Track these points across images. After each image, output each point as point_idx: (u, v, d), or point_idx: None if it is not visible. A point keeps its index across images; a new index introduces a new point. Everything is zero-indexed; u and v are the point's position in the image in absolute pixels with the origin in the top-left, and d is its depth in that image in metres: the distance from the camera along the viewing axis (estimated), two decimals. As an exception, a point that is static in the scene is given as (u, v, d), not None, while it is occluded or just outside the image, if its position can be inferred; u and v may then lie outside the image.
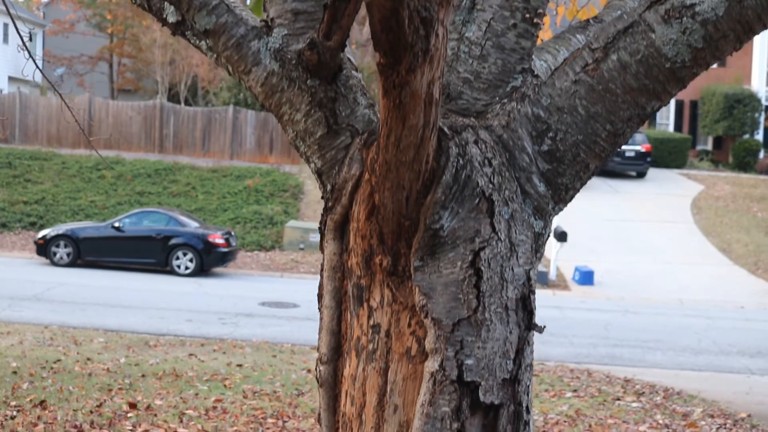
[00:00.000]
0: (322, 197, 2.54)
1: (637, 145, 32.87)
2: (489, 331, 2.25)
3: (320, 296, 2.56)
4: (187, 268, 20.46)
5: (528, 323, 2.35)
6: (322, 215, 2.52)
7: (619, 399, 9.01)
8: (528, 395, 2.35)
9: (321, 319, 2.54)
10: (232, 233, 21.87)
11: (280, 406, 7.76)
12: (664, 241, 26.41)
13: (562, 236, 22.33)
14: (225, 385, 8.72)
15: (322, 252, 2.53)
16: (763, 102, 37.16)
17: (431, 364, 2.23)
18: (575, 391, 9.50)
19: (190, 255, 20.45)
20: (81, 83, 47.03)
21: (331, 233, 2.49)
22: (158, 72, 37.60)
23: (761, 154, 36.76)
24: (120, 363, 9.88)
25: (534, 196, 2.41)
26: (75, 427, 6.53)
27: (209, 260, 20.60)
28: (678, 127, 38.47)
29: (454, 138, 2.28)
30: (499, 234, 2.24)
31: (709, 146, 38.64)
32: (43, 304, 15.83)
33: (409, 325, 2.33)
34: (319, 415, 2.56)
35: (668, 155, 35.30)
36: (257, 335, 14.01)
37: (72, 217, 24.81)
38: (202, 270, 20.63)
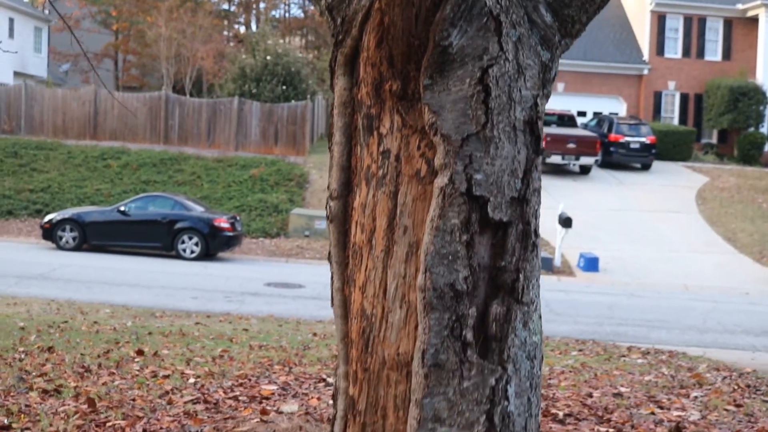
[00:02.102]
0: (332, 34, 2.56)
1: (641, 137, 32.84)
2: (497, 149, 2.27)
3: (330, 135, 2.58)
4: (192, 251, 20.50)
5: (536, 148, 2.37)
6: (333, 51, 2.54)
7: (624, 356, 9.01)
8: (536, 219, 2.37)
9: (331, 156, 2.56)
10: (238, 218, 21.90)
11: (286, 355, 7.77)
12: (668, 230, 26.39)
13: (566, 222, 22.32)
14: (231, 341, 8.75)
15: (333, 90, 2.55)
16: (768, 95, 37.17)
17: (441, 180, 2.25)
18: (581, 350, 9.51)
19: (195, 239, 20.50)
20: (86, 80, 47.16)
21: (341, 68, 2.51)
22: (163, 64, 37.68)
23: (766, 147, 36.72)
24: (127, 325, 9.91)
25: (541, 25, 2.43)
26: (83, 367, 6.56)
27: (215, 244, 20.63)
28: (683, 120, 38.45)
29: None
30: (506, 54, 2.26)
31: (714, 139, 38.59)
32: (50, 282, 15.86)
33: (419, 148, 2.35)
34: (330, 252, 2.59)
35: (673, 148, 35.27)
36: (263, 312, 13.99)
37: (78, 204, 24.86)
38: (207, 254, 20.68)
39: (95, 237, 20.77)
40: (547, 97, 2.42)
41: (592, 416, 5.34)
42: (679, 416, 5.41)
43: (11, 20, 41.00)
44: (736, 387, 6.82)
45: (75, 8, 48.14)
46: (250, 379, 6.37)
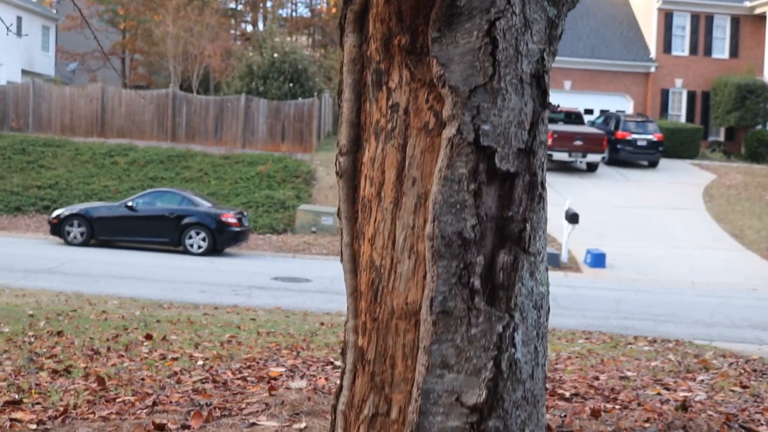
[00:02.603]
0: (341, -8, 2.59)
1: (648, 134, 32.80)
2: (504, 101, 2.30)
3: (340, 92, 2.61)
4: (199, 247, 20.56)
5: (542, 101, 2.40)
6: (342, 10, 2.58)
7: (630, 344, 9.03)
8: (543, 171, 2.40)
9: (341, 113, 2.60)
10: (245, 213, 21.96)
11: (293, 341, 7.81)
12: (675, 226, 26.37)
13: (573, 218, 22.33)
14: (239, 328, 8.79)
15: (342, 49, 2.59)
16: (776, 93, 37.07)
17: (449, 131, 2.28)
18: (587, 338, 9.53)
19: (202, 234, 20.56)
20: (93, 78, 47.27)
21: (350, 26, 2.54)
22: (170, 62, 37.77)
23: (774, 145, 36.66)
24: (135, 314, 9.96)
25: None
26: (92, 350, 6.61)
27: (222, 239, 20.69)
28: (690, 118, 38.40)
29: None
30: (513, 7, 2.29)
31: (721, 137, 38.53)
32: (58, 276, 15.93)
33: (427, 101, 2.39)
34: (339, 209, 2.63)
35: (680, 146, 35.22)
36: (270, 305, 14.04)
37: (85, 200, 24.95)
38: (214, 249, 20.74)
39: (103, 232, 20.85)
40: (553, 54, 2.45)
41: (599, 395, 5.36)
42: (685, 396, 5.42)
43: (19, 18, 41.17)
44: (742, 371, 6.83)
45: (82, 7, 48.25)
46: (258, 362, 6.41)
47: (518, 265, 2.27)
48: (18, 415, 4.01)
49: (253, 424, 3.42)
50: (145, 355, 6.48)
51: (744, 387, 5.90)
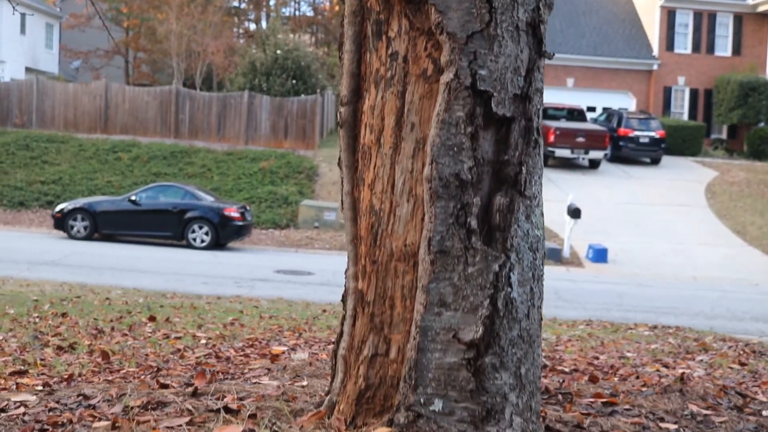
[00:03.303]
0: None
1: (651, 131, 32.82)
2: (501, 47, 2.36)
3: (341, 44, 2.67)
4: (202, 241, 20.63)
5: (538, 49, 2.46)
6: (344, -36, 2.63)
7: (631, 329, 9.08)
8: (538, 117, 2.45)
9: (342, 64, 2.66)
10: (248, 208, 22.02)
11: (296, 323, 7.87)
12: (678, 223, 26.39)
13: (575, 213, 22.35)
14: (242, 312, 8.84)
15: (343, 1, 2.64)
16: (778, 90, 37.08)
17: (446, 76, 2.34)
18: (588, 324, 9.57)
19: (205, 228, 20.62)
20: (96, 77, 47.32)
21: (351, -22, 2.60)
22: (174, 59, 37.85)
23: (776, 142, 36.67)
24: (138, 302, 10.02)
25: None
26: (96, 329, 6.66)
27: (225, 233, 20.75)
28: (692, 115, 38.41)
29: None
30: None
31: (724, 135, 38.54)
32: (61, 268, 16.00)
33: (425, 49, 2.44)
34: (339, 158, 2.68)
35: (682, 143, 35.24)
36: (273, 296, 14.09)
37: (88, 196, 25.02)
38: (217, 243, 20.80)
39: (106, 226, 20.92)
40: (549, 7, 2.50)
41: (598, 372, 5.41)
42: (684, 372, 5.47)
43: (23, 16, 41.23)
44: (741, 352, 6.88)
45: (86, 5, 48.36)
46: (260, 342, 6.46)
47: (514, 207, 2.33)
48: (24, 380, 4.07)
49: (256, 383, 3.47)
50: (149, 335, 6.54)
51: (742, 364, 5.94)
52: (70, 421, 2.81)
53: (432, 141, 2.31)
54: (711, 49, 38.68)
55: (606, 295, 17.06)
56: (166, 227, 20.75)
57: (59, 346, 5.74)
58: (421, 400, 2.24)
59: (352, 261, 2.59)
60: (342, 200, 2.64)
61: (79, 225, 20.84)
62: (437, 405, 2.22)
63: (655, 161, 33.38)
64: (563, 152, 30.78)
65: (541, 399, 2.36)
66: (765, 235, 25.64)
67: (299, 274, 17.16)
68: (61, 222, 20.91)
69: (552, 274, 19.78)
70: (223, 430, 2.39)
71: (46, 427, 2.74)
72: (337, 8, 45.79)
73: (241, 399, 2.97)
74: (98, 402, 3.16)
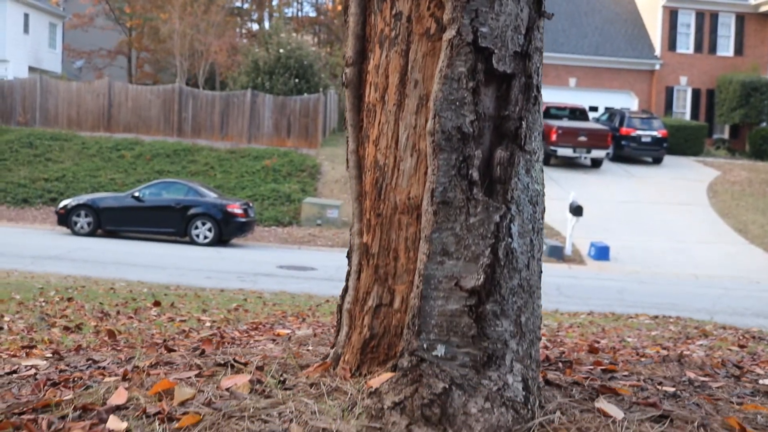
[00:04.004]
0: None
1: (653, 130, 32.86)
2: (501, 5, 2.43)
3: (346, 7, 2.74)
4: (206, 237, 20.70)
5: (537, 9, 2.53)
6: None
7: (632, 318, 9.14)
8: (538, 75, 2.52)
9: (348, 27, 2.73)
10: (251, 204, 22.09)
11: (299, 309, 7.94)
12: (679, 221, 26.44)
13: (577, 210, 22.41)
14: (246, 300, 8.91)
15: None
16: (780, 91, 37.13)
17: (449, 33, 2.41)
18: (590, 313, 9.63)
19: (208, 224, 20.69)
20: (99, 76, 47.44)
21: (356, -60, 2.68)
22: (177, 58, 37.95)
23: (778, 142, 36.73)
24: (142, 291, 10.09)
25: None
26: (102, 312, 6.73)
27: (228, 230, 20.82)
28: (694, 115, 38.47)
29: None
30: None
31: (726, 135, 38.59)
32: (65, 262, 16.07)
33: (428, 8, 2.52)
34: (345, 118, 2.75)
35: (684, 143, 35.29)
36: (276, 290, 14.14)
37: (92, 193, 25.11)
38: (220, 240, 20.88)
39: (110, 222, 21.00)
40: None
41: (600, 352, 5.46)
42: (683, 352, 5.53)
43: (26, 15, 41.39)
44: (741, 337, 6.94)
45: (89, 5, 48.51)
46: (264, 325, 6.53)
47: (514, 160, 2.40)
48: (34, 352, 4.14)
49: (262, 348, 3.54)
50: (154, 318, 6.61)
51: (741, 347, 6.00)
52: (81, 378, 2.88)
53: (435, 96, 2.38)
54: (713, 49, 38.74)
55: (607, 291, 17.11)
56: (169, 224, 20.82)
57: (66, 326, 5.81)
58: (424, 346, 2.30)
59: (357, 217, 2.66)
60: (347, 159, 2.71)
61: (82, 221, 20.92)
62: (440, 350, 2.28)
63: (657, 160, 33.43)
64: (565, 151, 30.83)
65: (539, 348, 2.42)
66: (766, 234, 25.68)
67: (302, 270, 17.22)
68: (65, 218, 21.00)
69: (554, 271, 19.86)
70: (231, 379, 2.46)
71: (57, 383, 2.80)
72: (339, 8, 45.86)
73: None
74: (108, 364, 3.23)
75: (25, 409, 2.41)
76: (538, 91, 2.50)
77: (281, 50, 34.10)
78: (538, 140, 2.50)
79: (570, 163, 31.94)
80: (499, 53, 2.40)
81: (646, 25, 39.83)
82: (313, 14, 52.45)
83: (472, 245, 2.31)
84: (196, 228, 20.72)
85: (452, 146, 2.33)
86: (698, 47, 38.62)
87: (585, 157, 31.78)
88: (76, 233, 20.91)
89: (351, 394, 2.33)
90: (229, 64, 38.31)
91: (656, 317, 9.54)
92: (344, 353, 2.64)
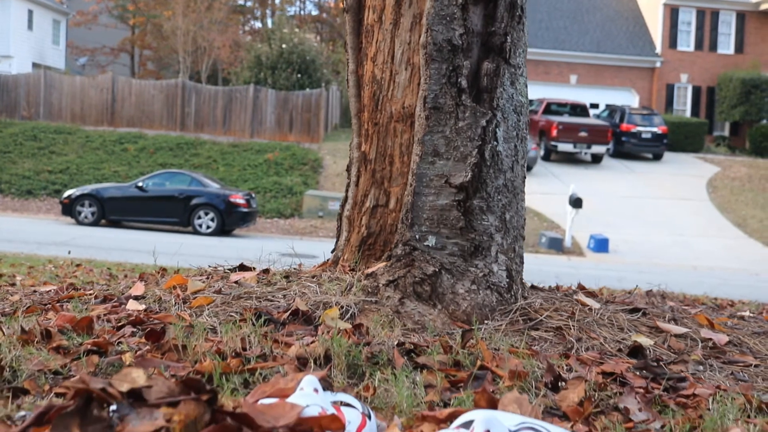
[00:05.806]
0: None
1: (653, 126, 33.03)
2: None
3: (345, -55, 2.96)
4: (208, 227, 20.90)
5: None
6: None
7: (630, 293, 9.32)
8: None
9: None
10: (253, 195, 22.30)
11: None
12: (679, 216, 26.60)
13: (577, 203, 22.57)
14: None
15: None
16: (780, 88, 37.33)
17: None
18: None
19: (211, 214, 20.90)
20: (103, 73, 47.67)
21: None
22: (180, 54, 38.19)
23: (778, 139, 36.91)
24: (149, 265, 10.29)
25: None
26: (110, 275, 6.94)
27: (230, 220, 21.02)
28: (695, 112, 38.67)
29: None
30: None
31: (726, 132, 38.78)
32: (70, 248, 16.26)
33: None
34: (345, 41, 2.97)
35: (685, 140, 35.47)
36: (278, 273, 14.33)
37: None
38: (223, 230, 21.08)
39: (113, 212, 21.21)
40: None
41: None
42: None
43: (30, 12, 41.65)
44: (729, 306, 7.12)
45: (92, 3, 48.79)
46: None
47: (500, 72, 2.61)
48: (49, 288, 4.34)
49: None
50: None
51: (731, 305, 6.19)
52: (98, 285, 3.09)
53: (427, 12, 2.59)
54: (714, 46, 38.94)
55: (605, 280, 17.15)
56: (172, 213, 21.03)
57: (77, 286, 6.02)
58: (417, 237, 2.51)
59: (356, 132, 2.87)
60: (347, 80, 2.92)
61: (86, 211, 21.13)
62: (431, 241, 2.50)
63: (657, 157, 33.60)
64: (566, 147, 31.01)
65: (523, 246, 2.63)
66: (765, 228, 25.86)
67: (305, 257, 17.37)
68: (69, 208, 21.20)
69: (553, 262, 20.03)
70: (241, 274, 2.67)
71: (77, 288, 3.02)
72: (341, 5, 46.10)
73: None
74: (122, 286, 3.44)
75: (50, 301, 2.62)
76: (522, 11, 2.71)
77: (284, 45, 34.33)
78: (523, 56, 2.71)
79: (570, 159, 32.13)
80: (485, -23, 2.62)
81: (647, 23, 40.04)
82: (315, 12, 52.73)
83: (460, 146, 2.52)
84: (199, 218, 20.93)
85: (443, 57, 2.54)
86: (699, 45, 38.82)
87: (585, 153, 31.95)
88: (80, 223, 21.12)
89: (349, 281, 2.54)
90: (231, 60, 38.56)
91: (650, 291, 9.71)
92: (343, 253, 2.85)
